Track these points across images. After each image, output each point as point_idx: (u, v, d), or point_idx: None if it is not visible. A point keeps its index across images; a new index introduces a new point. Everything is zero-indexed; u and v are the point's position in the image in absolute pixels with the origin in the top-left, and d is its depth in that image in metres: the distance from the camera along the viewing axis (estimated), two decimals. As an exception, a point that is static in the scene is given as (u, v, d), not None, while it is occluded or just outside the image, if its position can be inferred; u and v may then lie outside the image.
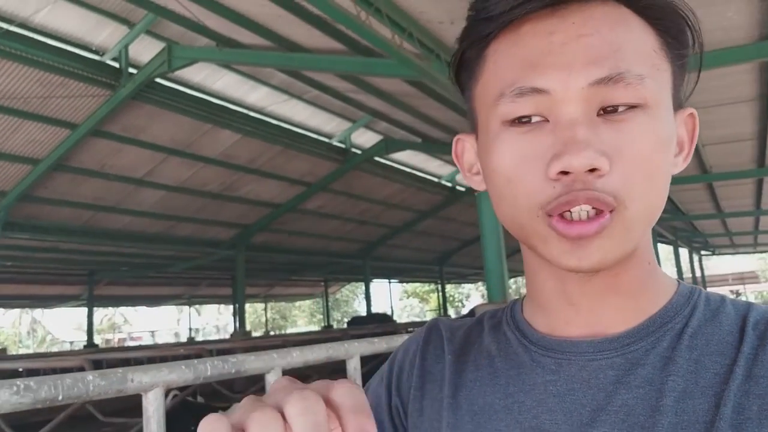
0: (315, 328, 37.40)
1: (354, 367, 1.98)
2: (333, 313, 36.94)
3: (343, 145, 12.45)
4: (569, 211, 0.48)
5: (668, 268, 30.29)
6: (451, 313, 37.66)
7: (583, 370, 0.54)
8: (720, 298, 0.56)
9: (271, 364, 1.65)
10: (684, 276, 22.55)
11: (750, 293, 39.72)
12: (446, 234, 19.46)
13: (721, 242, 25.21)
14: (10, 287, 17.12)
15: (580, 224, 0.48)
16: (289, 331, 40.82)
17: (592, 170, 0.47)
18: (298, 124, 11.26)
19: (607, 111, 0.49)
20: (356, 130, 12.10)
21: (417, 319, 39.83)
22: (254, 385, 6.89)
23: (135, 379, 1.26)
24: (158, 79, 8.58)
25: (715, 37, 5.77)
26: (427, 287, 42.52)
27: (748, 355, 0.49)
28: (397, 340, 2.32)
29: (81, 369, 5.20)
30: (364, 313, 18.86)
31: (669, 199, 0.51)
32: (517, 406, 0.55)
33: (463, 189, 16.21)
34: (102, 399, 1.26)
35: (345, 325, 16.97)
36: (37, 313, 37.28)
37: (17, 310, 34.87)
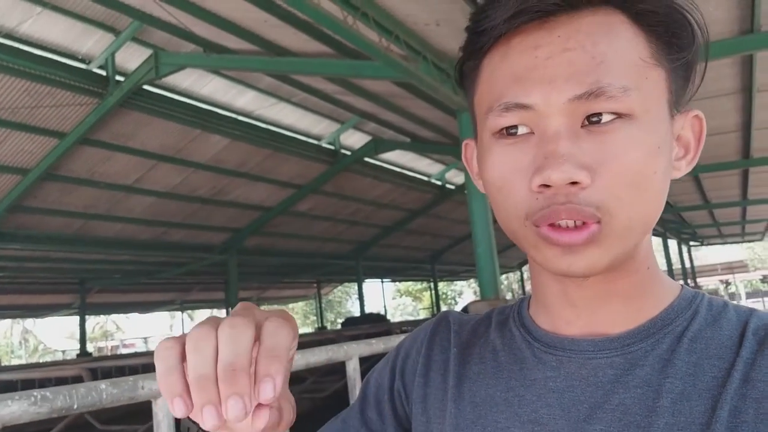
0: (309, 329, 37.35)
1: (353, 367, 2.02)
2: (326, 314, 36.92)
3: (332, 147, 12.47)
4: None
5: (658, 260, 30.31)
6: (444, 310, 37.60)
7: (583, 367, 0.55)
8: (723, 303, 0.57)
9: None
10: (673, 267, 22.72)
11: (739, 282, 40.05)
12: (437, 232, 19.51)
13: (709, 233, 25.42)
14: (1, 297, 17.00)
15: (569, 233, 0.49)
16: (283, 333, 40.50)
17: (574, 183, 0.48)
18: (287, 127, 11.27)
19: (592, 121, 0.49)
20: (345, 131, 12.12)
21: (410, 318, 39.90)
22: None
23: (145, 386, 1.30)
24: (146, 86, 8.56)
25: (696, 32, 5.85)
26: (419, 285, 42.54)
27: (747, 359, 0.50)
28: (395, 341, 2.37)
29: (79, 378, 5.21)
30: (357, 314, 18.87)
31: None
32: (517, 400, 0.57)
33: (452, 187, 16.26)
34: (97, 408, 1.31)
35: (339, 326, 16.96)
36: (29, 322, 36.99)
37: (8, 321, 34.59)
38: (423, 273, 25.66)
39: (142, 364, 8.49)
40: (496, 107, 0.52)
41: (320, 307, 26.24)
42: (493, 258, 6.27)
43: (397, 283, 40.47)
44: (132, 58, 8.33)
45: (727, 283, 39.44)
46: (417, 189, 15.59)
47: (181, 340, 0.43)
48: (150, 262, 15.19)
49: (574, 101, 0.49)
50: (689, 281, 25.57)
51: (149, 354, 11.50)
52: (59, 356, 34.37)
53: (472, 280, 41.06)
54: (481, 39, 0.54)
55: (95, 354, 25.41)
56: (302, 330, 41.35)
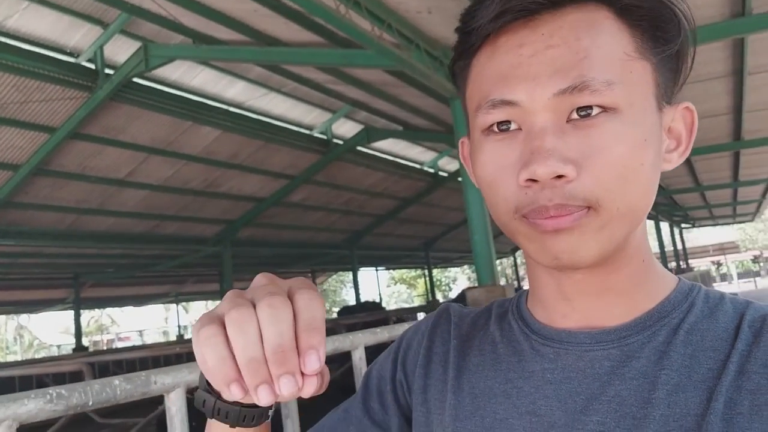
0: (304, 319, 37.22)
1: (359, 357, 2.04)
2: (321, 303, 36.81)
3: (324, 137, 12.43)
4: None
5: (650, 242, 30.54)
6: (439, 297, 37.88)
7: (580, 359, 0.56)
8: (720, 295, 0.57)
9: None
10: (666, 249, 22.88)
11: (731, 263, 40.39)
12: (431, 220, 19.54)
13: (700, 215, 25.60)
14: (-5, 294, 16.94)
15: (556, 217, 0.50)
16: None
17: (560, 177, 0.49)
18: (278, 117, 11.22)
19: (580, 116, 0.50)
20: (337, 120, 12.08)
21: (405, 305, 40.05)
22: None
23: (158, 381, 1.32)
24: (135, 79, 8.50)
25: (687, 15, 5.86)
26: (413, 273, 42.67)
27: (742, 351, 0.50)
28: (399, 329, 2.39)
29: (79, 372, 5.21)
30: (352, 302, 18.91)
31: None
32: (515, 392, 0.58)
33: (445, 174, 16.27)
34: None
35: (335, 315, 17.00)
36: (23, 318, 36.87)
37: (3, 317, 34.46)
38: (417, 260, 25.72)
39: (139, 358, 8.50)
40: (484, 105, 0.53)
41: (315, 297, 26.14)
42: (489, 244, 6.30)
43: (391, 271, 40.57)
44: (121, 50, 8.26)
45: (719, 264, 39.78)
46: (410, 177, 15.59)
47: (219, 321, 0.44)
48: (144, 255, 15.15)
49: (558, 96, 0.50)
50: (681, 263, 25.78)
51: (150, 347, 11.53)
52: (54, 351, 34.30)
53: (466, 267, 41.22)
54: (470, 39, 0.55)
55: (91, 348, 25.39)
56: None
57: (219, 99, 10.09)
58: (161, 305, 33.97)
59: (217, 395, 0.52)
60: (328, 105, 11.29)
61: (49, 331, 41.17)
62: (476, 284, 6.62)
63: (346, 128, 12.53)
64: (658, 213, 20.18)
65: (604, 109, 0.50)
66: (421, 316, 19.55)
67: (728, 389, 0.48)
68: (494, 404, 0.59)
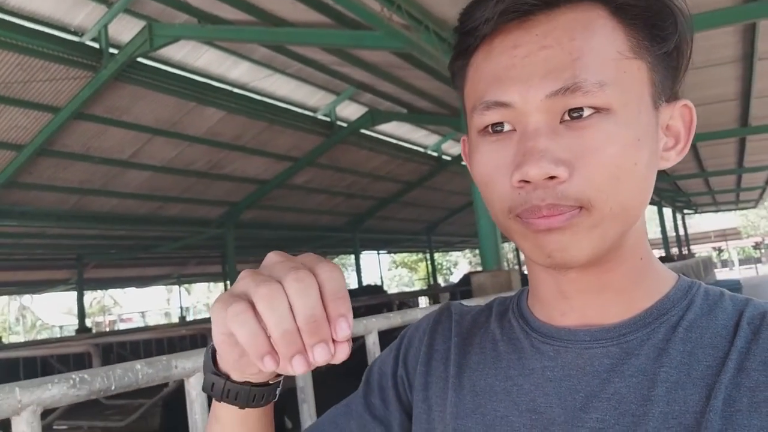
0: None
1: (373, 341, 2.04)
2: (322, 286, 36.96)
3: (328, 119, 12.38)
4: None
5: (652, 228, 30.69)
6: (440, 280, 38.01)
7: (579, 357, 0.56)
8: (719, 292, 0.57)
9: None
10: (668, 235, 22.90)
11: (732, 249, 40.46)
12: (433, 203, 19.53)
13: (703, 201, 25.60)
14: (-2, 274, 17.01)
15: (548, 217, 0.50)
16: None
17: (552, 178, 0.49)
18: (282, 99, 11.16)
19: (573, 117, 0.50)
20: (341, 102, 12.02)
21: (406, 288, 40.21)
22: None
23: (179, 365, 1.31)
24: (139, 59, 8.44)
25: (700, -1, 5.80)
26: (415, 257, 42.78)
27: (741, 348, 0.50)
28: (411, 315, 2.39)
29: (87, 354, 5.22)
30: (354, 286, 18.98)
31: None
32: (516, 389, 0.58)
33: (449, 158, 16.23)
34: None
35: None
36: (26, 299, 37.06)
37: (5, 297, 34.63)
38: (419, 244, 25.77)
39: (143, 340, 8.52)
40: (479, 106, 0.54)
41: (317, 280, 26.25)
42: (495, 229, 6.29)
43: (392, 254, 40.66)
44: (125, 30, 8.19)
45: (720, 250, 39.86)
46: (413, 160, 15.55)
47: (245, 299, 0.44)
48: (146, 236, 15.18)
49: (551, 97, 0.50)
50: (683, 249, 25.81)
51: (157, 328, 11.58)
52: (57, 332, 34.52)
53: (467, 251, 41.30)
54: (467, 39, 0.56)
55: (94, 329, 25.54)
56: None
57: (223, 80, 10.02)
58: (163, 286, 34.10)
59: (226, 377, 0.53)
60: (333, 87, 11.23)
61: (52, 311, 41.42)
62: (478, 268, 6.61)
63: (350, 111, 12.47)
64: (661, 199, 20.17)
65: (597, 110, 0.50)
66: (423, 300, 19.66)
67: (727, 386, 0.49)
68: (495, 402, 0.59)
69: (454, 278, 43.33)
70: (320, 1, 7.00)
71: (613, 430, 0.51)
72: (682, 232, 26.22)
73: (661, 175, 15.80)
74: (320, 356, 0.43)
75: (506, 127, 0.53)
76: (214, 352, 0.55)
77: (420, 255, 38.25)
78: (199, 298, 45.48)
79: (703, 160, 14.71)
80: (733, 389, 0.48)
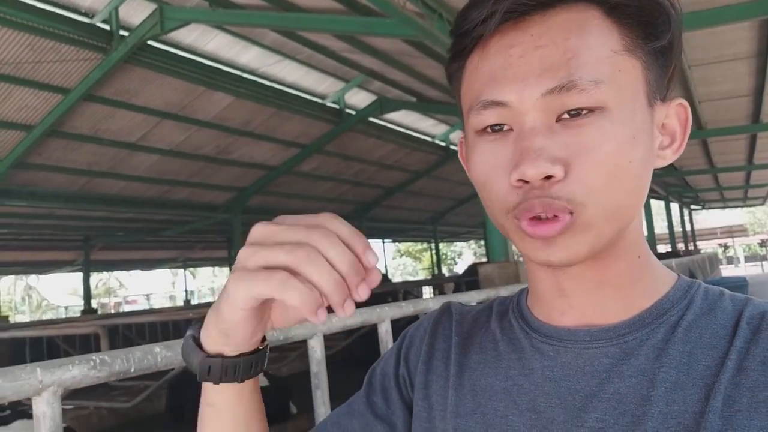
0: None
1: (385, 329, 2.04)
2: (327, 273, 37.07)
3: (336, 106, 12.34)
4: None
5: (659, 223, 30.56)
6: (444, 270, 38.04)
7: (579, 357, 0.56)
8: (719, 292, 0.58)
9: (313, 330, 1.70)
10: (675, 230, 22.83)
11: (738, 246, 40.33)
12: (440, 193, 19.51)
13: (711, 197, 25.49)
14: (5, 254, 17.09)
15: (545, 226, 0.51)
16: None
17: (548, 177, 0.50)
18: (291, 85, 11.13)
19: (571, 115, 0.51)
20: (350, 90, 11.98)
21: (411, 278, 40.28)
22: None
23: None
24: (150, 42, 8.42)
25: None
26: (420, 246, 42.81)
27: (741, 348, 0.51)
28: (422, 304, 2.39)
29: (95, 335, 5.25)
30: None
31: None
32: (516, 389, 0.59)
33: (457, 148, 16.17)
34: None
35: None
36: (32, 279, 37.31)
37: (12, 277, 34.87)
38: (424, 234, 25.76)
39: (149, 322, 8.56)
40: (476, 106, 0.55)
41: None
42: (503, 220, 6.27)
43: (397, 243, 40.69)
44: (136, 12, 8.17)
45: (726, 247, 39.74)
46: (421, 150, 15.52)
47: (281, 266, 0.46)
48: (154, 219, 15.23)
49: (547, 96, 0.51)
50: (689, 244, 25.73)
51: (163, 311, 11.63)
52: (62, 312, 34.78)
53: (472, 241, 41.29)
54: (463, 41, 0.57)
55: (99, 310, 25.69)
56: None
57: (233, 65, 10.00)
58: (169, 270, 34.24)
59: (221, 357, 0.54)
60: (342, 74, 11.18)
61: (57, 292, 41.70)
62: (482, 259, 6.61)
63: (358, 98, 12.43)
64: (669, 194, 20.09)
65: (592, 108, 0.50)
66: (427, 290, 19.68)
67: (727, 386, 0.49)
68: (495, 401, 0.60)
69: (459, 268, 43.38)
70: (333, -14, 6.96)
71: (613, 430, 0.51)
72: (688, 227, 26.13)
73: (670, 169, 15.71)
74: (364, 293, 0.47)
75: (504, 127, 0.54)
76: (195, 339, 0.56)
77: (425, 245, 38.27)
78: (203, 283, 45.71)
79: (713, 155, 14.62)
80: (733, 389, 0.48)
